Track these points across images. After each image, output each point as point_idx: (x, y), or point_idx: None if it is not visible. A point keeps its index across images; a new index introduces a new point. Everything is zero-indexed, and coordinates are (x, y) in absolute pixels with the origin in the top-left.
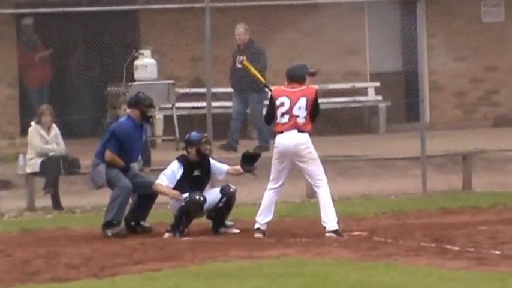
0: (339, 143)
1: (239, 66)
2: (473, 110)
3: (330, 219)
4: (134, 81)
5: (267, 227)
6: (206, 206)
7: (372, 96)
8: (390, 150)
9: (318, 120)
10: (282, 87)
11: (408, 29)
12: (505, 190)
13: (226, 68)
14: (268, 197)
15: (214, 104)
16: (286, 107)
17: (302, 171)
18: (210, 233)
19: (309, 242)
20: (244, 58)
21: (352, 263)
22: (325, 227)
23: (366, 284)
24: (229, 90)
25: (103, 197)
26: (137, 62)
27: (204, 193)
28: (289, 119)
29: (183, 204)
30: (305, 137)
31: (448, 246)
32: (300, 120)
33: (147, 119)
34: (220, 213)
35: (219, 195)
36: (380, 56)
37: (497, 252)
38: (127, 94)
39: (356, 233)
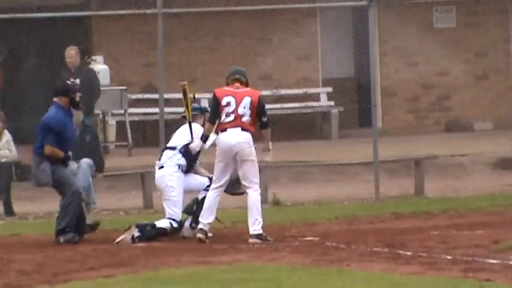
0: (292, 149)
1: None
2: (425, 115)
3: (254, 224)
4: None
5: (210, 227)
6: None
7: (324, 101)
8: (343, 155)
9: (271, 125)
10: (225, 88)
11: (360, 35)
12: (456, 195)
13: (179, 74)
14: (211, 197)
15: (166, 109)
16: (233, 106)
17: (238, 170)
18: (162, 239)
19: (261, 247)
20: (186, 82)
21: (305, 269)
22: (249, 231)
23: None
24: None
25: (55, 203)
26: None
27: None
28: (235, 118)
29: (167, 226)
30: (248, 136)
31: (401, 251)
32: (245, 119)
33: (76, 104)
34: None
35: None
36: (332, 61)
37: (449, 257)
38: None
39: (308, 238)
